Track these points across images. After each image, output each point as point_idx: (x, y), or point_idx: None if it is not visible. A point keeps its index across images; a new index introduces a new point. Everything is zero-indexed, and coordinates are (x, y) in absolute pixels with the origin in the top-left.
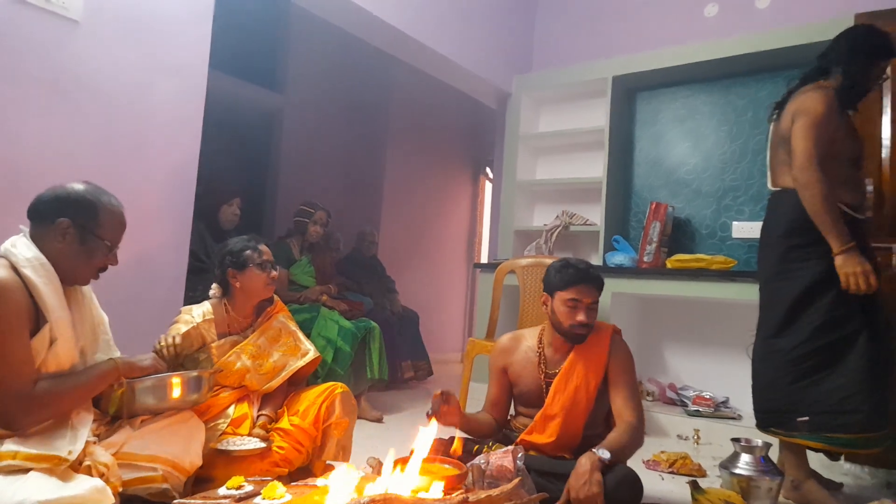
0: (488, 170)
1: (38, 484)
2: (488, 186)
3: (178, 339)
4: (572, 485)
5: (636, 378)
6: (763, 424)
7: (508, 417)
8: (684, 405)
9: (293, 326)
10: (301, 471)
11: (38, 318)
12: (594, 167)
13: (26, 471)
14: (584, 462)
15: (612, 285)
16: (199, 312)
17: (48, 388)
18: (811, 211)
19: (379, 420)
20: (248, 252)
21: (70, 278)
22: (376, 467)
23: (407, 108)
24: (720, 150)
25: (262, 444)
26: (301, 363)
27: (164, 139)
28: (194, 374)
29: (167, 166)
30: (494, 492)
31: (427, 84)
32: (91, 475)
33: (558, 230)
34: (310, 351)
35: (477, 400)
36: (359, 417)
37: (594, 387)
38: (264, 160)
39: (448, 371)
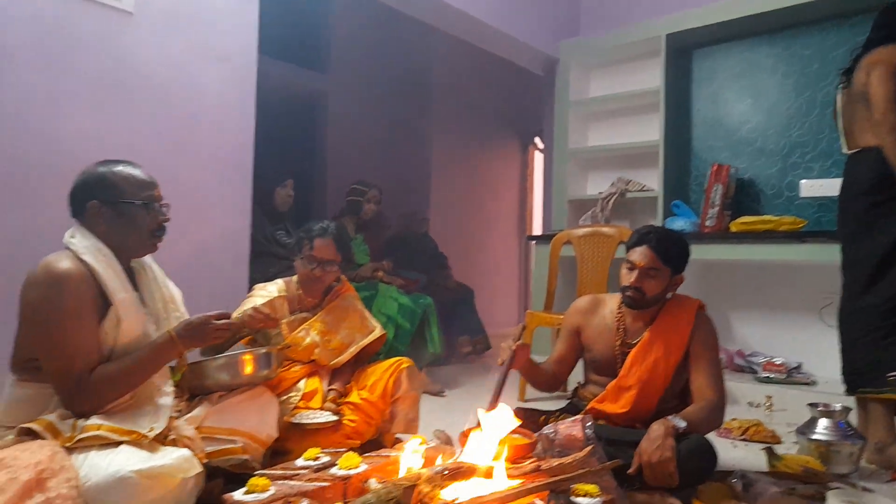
0: (537, 140)
1: (129, 455)
2: (538, 157)
3: (265, 308)
4: (644, 449)
5: (720, 356)
6: (852, 386)
7: (577, 385)
8: (754, 372)
9: (360, 305)
10: (371, 443)
11: (106, 302)
12: (649, 131)
13: (116, 444)
14: (657, 427)
15: None
16: (273, 289)
17: (102, 374)
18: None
19: (441, 394)
20: (304, 241)
21: (130, 253)
22: (443, 439)
23: (451, 81)
24: (785, 105)
25: (334, 418)
26: (367, 340)
27: (217, 126)
28: (264, 350)
29: (222, 152)
30: (566, 460)
31: (470, 55)
32: (176, 447)
33: (614, 198)
34: (376, 328)
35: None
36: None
37: (674, 362)
38: (312, 141)
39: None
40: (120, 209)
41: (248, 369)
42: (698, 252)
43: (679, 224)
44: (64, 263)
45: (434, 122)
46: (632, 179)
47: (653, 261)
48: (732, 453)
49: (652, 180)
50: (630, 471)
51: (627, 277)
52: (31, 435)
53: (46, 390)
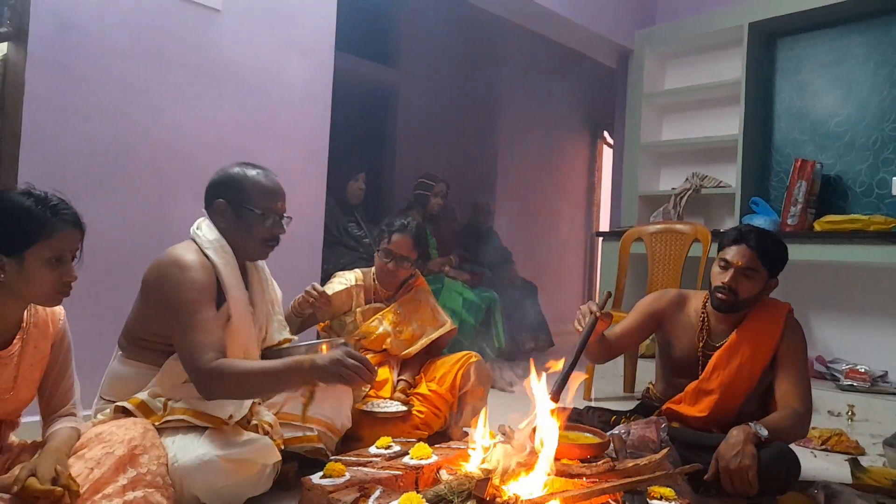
0: (606, 133)
1: (215, 440)
2: (607, 151)
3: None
4: (723, 454)
5: (808, 364)
6: None
7: (648, 385)
8: (835, 379)
9: (432, 299)
10: (438, 435)
11: (220, 297)
12: (728, 124)
13: (202, 429)
14: (737, 433)
15: None
16: (351, 277)
17: (232, 369)
18: None
19: (510, 389)
20: (383, 235)
21: (243, 255)
22: (509, 434)
23: (519, 73)
24: (878, 96)
25: (405, 408)
26: (438, 333)
27: (297, 117)
28: (340, 340)
29: (301, 143)
30: (642, 461)
31: (540, 46)
32: (257, 433)
33: (688, 194)
34: (446, 322)
35: (606, 370)
36: None
37: (760, 368)
38: (383, 135)
39: (569, 342)
40: (241, 212)
41: None
42: None
43: (758, 222)
44: (190, 256)
45: (501, 115)
46: (707, 175)
47: (752, 260)
48: (812, 463)
49: (729, 176)
50: (707, 476)
51: (721, 276)
52: (127, 412)
53: (147, 370)
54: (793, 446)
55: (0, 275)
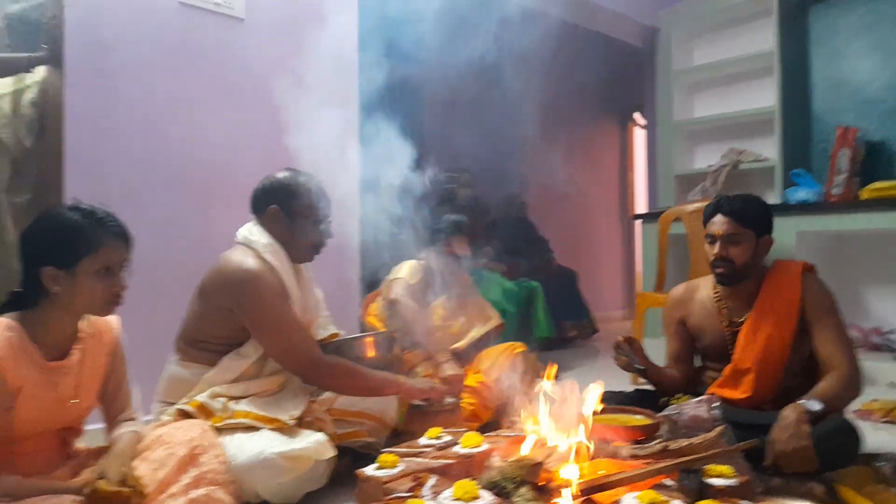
0: (637, 115)
1: (272, 438)
2: (639, 133)
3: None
4: (777, 438)
5: (841, 317)
6: None
7: (696, 369)
8: (893, 351)
9: (478, 294)
10: (489, 426)
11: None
12: (763, 96)
13: (257, 427)
14: (789, 414)
15: (795, 224)
16: (408, 272)
17: (339, 365)
18: None
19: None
20: (439, 235)
21: (295, 258)
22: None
23: (543, 61)
24: None
25: (454, 401)
26: (486, 328)
27: (325, 121)
28: (385, 333)
29: (332, 146)
30: (696, 440)
31: (564, 31)
32: (312, 429)
33: (726, 170)
34: (493, 317)
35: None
36: None
37: (789, 334)
38: (410, 131)
39: (612, 329)
40: (295, 220)
41: (372, 351)
42: (824, 223)
43: (802, 195)
44: (251, 261)
45: (528, 104)
46: (745, 150)
47: (731, 226)
48: (875, 436)
49: (768, 149)
50: (765, 464)
51: (711, 251)
52: (186, 415)
53: (202, 371)
54: (854, 419)
55: (55, 287)
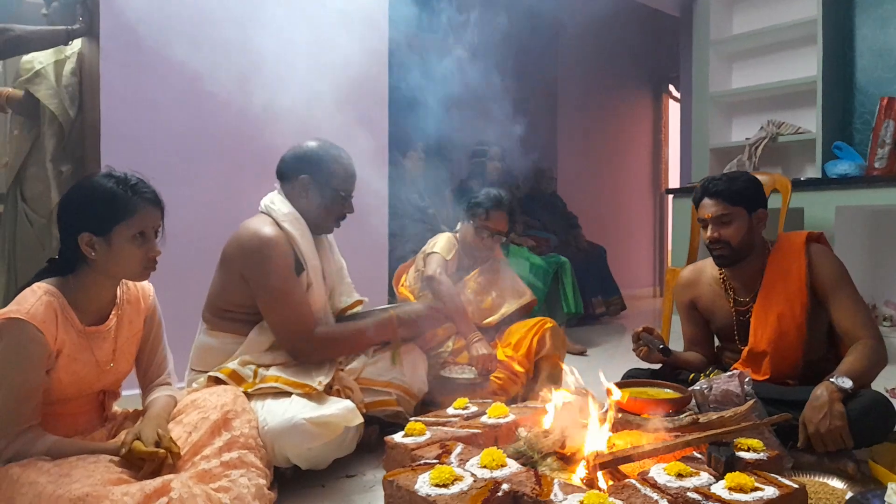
0: (671, 87)
1: (302, 404)
2: (673, 105)
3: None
4: (809, 418)
5: (854, 286)
6: None
7: (716, 348)
8: None
9: (511, 270)
10: (515, 401)
11: (297, 267)
12: (804, 66)
13: (288, 394)
14: (821, 393)
15: (835, 198)
16: (445, 246)
17: (327, 335)
18: None
19: (583, 353)
20: (476, 209)
21: (317, 228)
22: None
23: (577, 32)
24: None
25: (479, 377)
26: (518, 304)
27: (355, 91)
28: (410, 305)
29: (361, 117)
30: (727, 413)
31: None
32: (340, 397)
33: (764, 142)
34: (526, 293)
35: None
36: None
37: (801, 310)
38: (437, 104)
39: (641, 306)
40: (325, 191)
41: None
42: (867, 198)
43: (843, 168)
44: (268, 229)
45: (560, 77)
46: (784, 122)
47: (719, 206)
48: None
49: (808, 121)
50: (799, 444)
51: (705, 234)
52: (219, 381)
53: (231, 339)
54: (888, 395)
55: (92, 254)
